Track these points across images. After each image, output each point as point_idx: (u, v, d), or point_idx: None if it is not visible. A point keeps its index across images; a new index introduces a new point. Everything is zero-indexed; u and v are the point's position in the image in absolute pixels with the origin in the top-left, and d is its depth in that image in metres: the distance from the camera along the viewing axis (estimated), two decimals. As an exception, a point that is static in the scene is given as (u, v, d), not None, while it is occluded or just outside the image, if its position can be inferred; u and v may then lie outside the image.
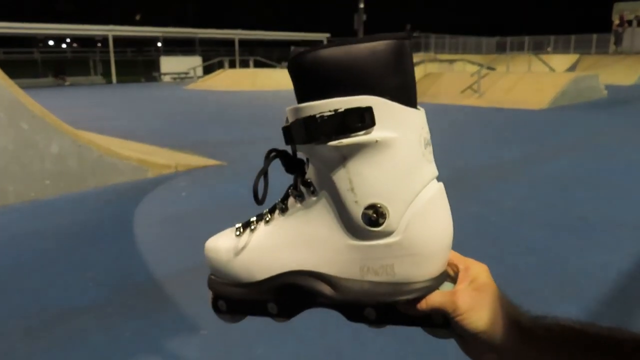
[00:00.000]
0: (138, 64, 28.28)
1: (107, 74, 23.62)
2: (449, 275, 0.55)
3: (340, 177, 0.51)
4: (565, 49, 27.27)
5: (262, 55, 26.85)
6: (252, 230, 0.58)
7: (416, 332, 0.57)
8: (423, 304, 0.52)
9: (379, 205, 0.50)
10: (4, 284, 2.84)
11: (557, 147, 6.78)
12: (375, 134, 0.49)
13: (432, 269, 0.53)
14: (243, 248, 0.57)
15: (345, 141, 0.49)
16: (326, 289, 0.54)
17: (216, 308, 0.61)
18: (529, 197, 4.44)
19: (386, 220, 0.50)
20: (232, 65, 24.28)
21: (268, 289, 0.56)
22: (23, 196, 4.34)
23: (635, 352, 0.47)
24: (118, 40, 25.28)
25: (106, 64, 23.89)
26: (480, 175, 5.27)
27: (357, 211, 0.51)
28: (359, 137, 0.49)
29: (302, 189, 0.55)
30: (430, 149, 0.53)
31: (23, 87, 4.79)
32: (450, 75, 14.62)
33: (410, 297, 0.52)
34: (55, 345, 2.22)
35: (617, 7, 25.33)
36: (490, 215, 3.91)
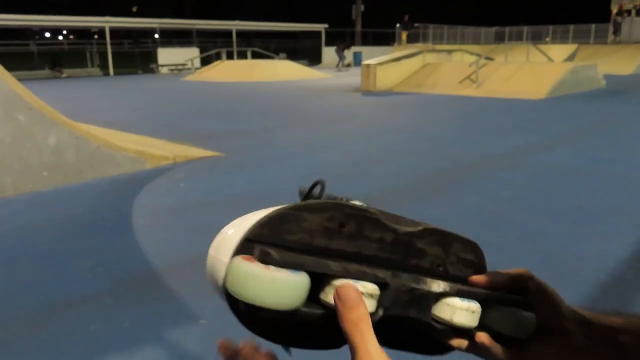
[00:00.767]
0: (135, 55, 28.07)
1: (104, 66, 23.46)
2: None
3: None
4: (563, 39, 27.17)
5: (260, 46, 26.69)
6: None
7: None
8: None
9: None
10: (3, 275, 2.85)
11: (555, 137, 6.78)
12: None
13: None
14: None
15: None
16: None
17: None
18: (527, 186, 4.45)
19: None
20: (230, 56, 24.14)
21: None
22: (21, 188, 4.34)
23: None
24: (115, 32, 25.05)
25: (103, 55, 23.71)
26: (479, 164, 5.27)
27: None
28: None
29: None
30: None
31: (19, 79, 4.77)
32: (449, 65, 14.56)
33: None
34: (54, 335, 2.23)
35: (616, -3, 25.23)
36: (489, 204, 3.92)
